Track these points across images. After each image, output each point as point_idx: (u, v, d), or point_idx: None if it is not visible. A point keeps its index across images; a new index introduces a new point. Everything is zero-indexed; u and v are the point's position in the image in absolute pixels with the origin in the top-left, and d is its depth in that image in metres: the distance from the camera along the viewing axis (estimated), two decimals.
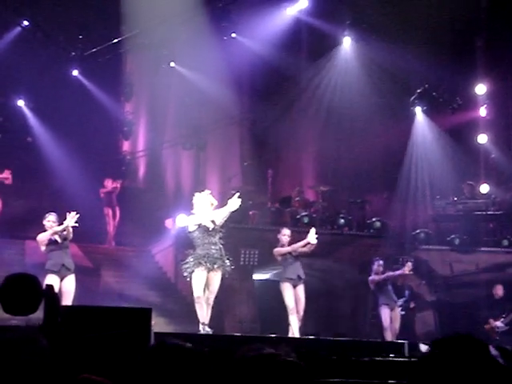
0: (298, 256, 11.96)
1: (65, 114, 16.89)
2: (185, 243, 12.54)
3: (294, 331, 11.58)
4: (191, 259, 10.59)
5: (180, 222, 14.19)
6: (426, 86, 17.96)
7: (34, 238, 11.37)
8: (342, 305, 15.95)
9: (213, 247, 10.58)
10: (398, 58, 16.86)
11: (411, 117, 18.51)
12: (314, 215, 16.67)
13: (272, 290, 12.59)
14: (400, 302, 14.07)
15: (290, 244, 11.99)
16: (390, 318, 13.23)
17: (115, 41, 17.18)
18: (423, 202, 17.97)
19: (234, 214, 10.84)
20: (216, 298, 10.77)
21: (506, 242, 16.44)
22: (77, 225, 10.90)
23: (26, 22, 16.54)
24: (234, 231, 13.25)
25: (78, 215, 10.84)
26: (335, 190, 17.71)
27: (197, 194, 10.93)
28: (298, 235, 12.50)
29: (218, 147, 19.83)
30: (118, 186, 17.84)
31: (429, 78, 17.84)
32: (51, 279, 10.55)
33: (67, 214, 10.85)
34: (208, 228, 10.57)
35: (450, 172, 17.50)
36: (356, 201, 17.47)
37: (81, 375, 2.52)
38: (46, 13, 16.56)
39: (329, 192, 17.52)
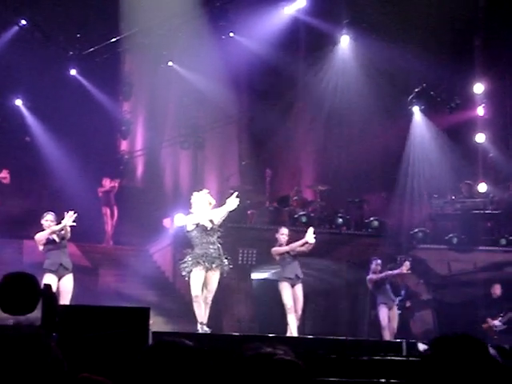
0: (296, 255, 11.96)
1: (63, 114, 16.88)
2: (183, 242, 12.54)
3: (293, 330, 11.58)
4: (189, 258, 10.60)
5: (178, 221, 14.16)
6: (424, 85, 17.97)
7: (32, 238, 11.37)
8: (340, 304, 15.96)
9: (211, 246, 10.58)
10: (396, 57, 16.87)
11: (409, 116, 18.52)
12: (312, 214, 16.67)
13: (270, 290, 12.59)
14: (396, 301, 14.08)
15: (288, 243, 11.99)
16: (388, 317, 13.24)
17: (113, 40, 17.18)
18: (421, 201, 17.98)
19: (232, 214, 10.85)
20: (214, 297, 10.77)
21: (503, 241, 16.44)
22: (75, 224, 10.89)
23: (24, 22, 16.53)
24: (232, 230, 13.26)
25: (76, 214, 10.83)
26: (333, 189, 17.72)
27: (195, 194, 10.93)
28: (296, 234, 12.50)
29: (216, 146, 19.83)
30: (116, 185, 17.83)
31: (427, 77, 17.85)
32: (49, 278, 10.54)
33: (65, 213, 10.85)
34: (206, 227, 10.57)
35: (447, 171, 17.51)
36: (354, 200, 17.47)
37: (79, 375, 2.53)
38: (45, 12, 16.55)
39: (327, 191, 17.52)
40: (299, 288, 11.85)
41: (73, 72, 17.42)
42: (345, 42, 18.14)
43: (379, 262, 13.47)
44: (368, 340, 12.52)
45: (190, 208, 10.83)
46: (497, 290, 15.13)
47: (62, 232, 10.98)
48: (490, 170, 18.60)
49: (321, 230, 15.20)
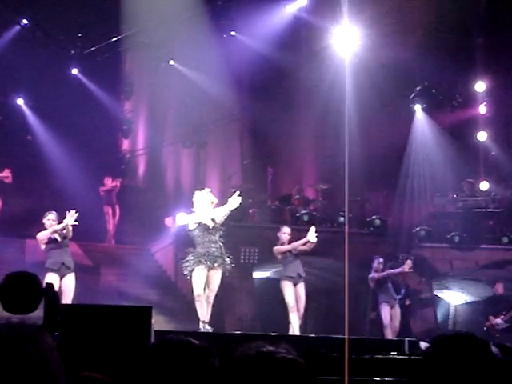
0: (298, 254, 11.96)
1: (64, 113, 16.88)
2: (185, 241, 12.54)
3: (295, 329, 11.59)
4: (191, 257, 10.59)
5: (180, 220, 14.19)
6: (426, 83, 17.96)
7: (34, 237, 11.38)
8: (342, 303, 15.95)
9: (213, 245, 10.58)
10: (397, 55, 16.85)
11: (411, 114, 18.51)
12: (314, 213, 16.66)
13: (272, 288, 12.59)
14: (397, 299, 14.06)
15: (289, 242, 11.99)
16: (390, 315, 13.24)
17: (115, 39, 17.18)
18: (423, 199, 17.97)
19: (234, 212, 10.84)
20: (216, 296, 10.77)
21: (505, 240, 16.43)
22: (76, 223, 10.90)
23: (25, 21, 16.54)
24: (234, 229, 13.25)
25: (78, 214, 10.84)
26: (335, 187, 17.69)
27: (197, 193, 10.92)
28: (298, 233, 12.50)
29: (218, 145, 19.83)
30: (118, 184, 17.83)
31: (428, 75, 17.83)
32: (51, 278, 10.55)
33: (67, 212, 10.85)
34: (208, 226, 10.57)
35: (449, 169, 17.50)
36: (356, 199, 17.45)
37: (82, 373, 2.53)
38: (46, 11, 16.55)
39: (329, 190, 17.51)
40: (301, 287, 11.86)
41: (74, 71, 17.42)
42: (346, 41, 18.10)
43: (381, 260, 13.47)
44: (370, 339, 12.51)
45: (192, 207, 10.82)
46: (499, 288, 15.12)
47: (64, 231, 10.98)
48: (491, 168, 18.58)
49: (322, 229, 15.20)
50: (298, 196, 17.48)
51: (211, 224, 10.56)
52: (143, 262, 16.17)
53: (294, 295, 11.76)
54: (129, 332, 6.01)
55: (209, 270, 10.54)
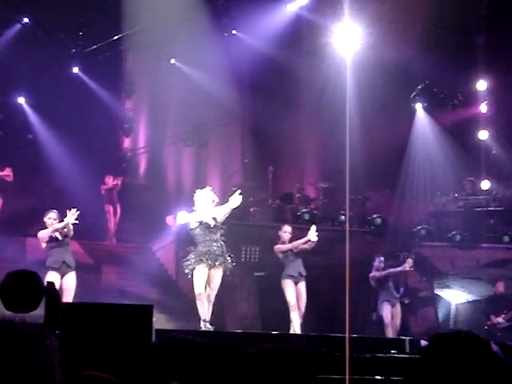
0: (299, 253, 11.97)
1: (65, 112, 16.87)
2: (186, 240, 12.55)
3: (296, 328, 11.59)
4: (192, 256, 10.60)
5: (181, 218, 14.21)
6: (427, 82, 17.95)
7: (35, 235, 11.39)
8: (343, 301, 15.94)
9: (214, 244, 10.58)
10: (398, 54, 16.84)
11: (412, 113, 18.50)
12: (315, 212, 16.66)
13: (273, 287, 12.59)
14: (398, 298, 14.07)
15: (291, 241, 12.00)
16: (391, 314, 13.24)
17: (116, 38, 17.18)
18: (424, 198, 17.97)
19: (235, 211, 10.84)
20: (217, 294, 10.77)
21: (506, 238, 16.43)
22: (77, 222, 10.90)
23: (26, 20, 16.53)
24: (234, 228, 13.25)
25: (79, 212, 10.84)
26: (336, 186, 17.69)
27: (198, 191, 10.92)
28: (299, 232, 12.50)
29: (219, 144, 19.83)
30: (119, 183, 17.83)
31: (429, 74, 17.82)
32: (52, 276, 10.56)
33: (68, 211, 10.86)
34: (209, 225, 10.57)
35: (450, 168, 17.50)
36: (357, 197, 17.44)
37: (83, 372, 2.53)
38: (47, 10, 16.54)
39: (329, 189, 17.51)
40: (302, 285, 11.87)
41: (75, 70, 17.42)
42: (347, 40, 18.09)
43: (382, 259, 13.48)
44: (371, 337, 12.51)
45: (193, 205, 10.82)
46: (500, 287, 15.12)
47: (65, 230, 10.99)
48: (492, 167, 18.57)
49: (323, 228, 15.20)
50: (298, 195, 17.49)
51: (212, 223, 10.56)
52: (144, 260, 16.17)
53: (295, 294, 11.77)
54: (130, 330, 6.01)
55: (210, 269, 10.54)
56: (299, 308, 11.76)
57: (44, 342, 1.95)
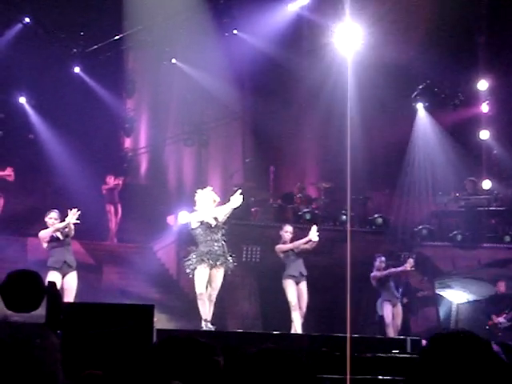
0: (300, 253, 11.98)
1: (66, 111, 16.87)
2: (187, 240, 12.55)
3: (297, 327, 11.60)
4: (194, 256, 10.60)
5: (182, 218, 14.21)
6: (428, 82, 17.94)
7: (36, 235, 11.39)
8: (344, 301, 15.94)
9: (215, 244, 10.58)
10: (399, 54, 16.84)
11: (413, 113, 18.49)
12: (316, 212, 16.66)
13: (274, 287, 12.59)
14: (399, 298, 14.06)
15: (292, 241, 12.01)
16: (392, 314, 13.24)
17: (117, 38, 17.17)
18: (425, 198, 17.96)
19: (236, 211, 10.84)
20: (218, 294, 10.77)
21: (508, 238, 16.43)
22: (78, 222, 10.91)
23: (27, 20, 16.52)
24: (236, 228, 13.25)
25: (80, 212, 10.85)
26: (337, 186, 17.69)
27: (199, 191, 10.92)
28: (301, 232, 12.50)
29: (220, 144, 19.82)
30: (120, 182, 17.83)
31: (431, 73, 17.81)
32: (53, 276, 10.56)
33: (69, 210, 10.86)
34: (210, 225, 10.57)
35: (451, 168, 17.49)
36: (358, 197, 17.44)
37: (85, 371, 2.53)
38: (48, 10, 16.54)
39: (331, 188, 17.51)
40: (304, 285, 11.88)
41: (76, 70, 17.41)
42: (348, 40, 18.08)
43: (383, 259, 13.47)
44: (372, 337, 12.51)
45: (194, 205, 10.82)
46: (501, 287, 15.12)
47: (66, 230, 10.99)
48: (494, 166, 18.57)
49: (325, 227, 15.20)
50: (300, 194, 17.48)
51: (213, 222, 10.56)
52: (145, 260, 16.17)
53: (296, 294, 11.78)
54: (131, 330, 6.01)
55: (211, 269, 10.54)
56: (300, 308, 11.76)
57: (45, 342, 1.95)
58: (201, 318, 10.55)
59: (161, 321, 12.09)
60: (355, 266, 15.82)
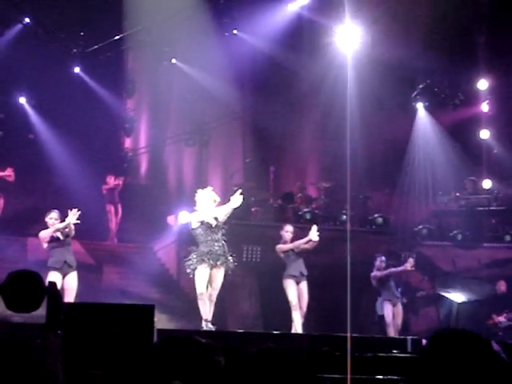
0: (300, 253, 11.98)
1: (66, 112, 16.87)
2: (187, 240, 12.55)
3: (297, 327, 11.60)
4: (194, 256, 10.60)
5: (182, 218, 14.21)
6: (428, 81, 17.94)
7: (37, 235, 11.39)
8: (345, 301, 15.94)
9: (216, 244, 10.58)
10: (399, 53, 16.83)
11: (413, 112, 18.49)
12: (317, 211, 16.66)
13: (275, 287, 12.59)
14: (400, 297, 14.06)
15: (292, 240, 12.01)
16: (392, 313, 13.24)
17: (117, 38, 17.16)
18: (425, 197, 17.97)
19: (236, 211, 10.84)
20: (219, 294, 10.77)
21: (508, 238, 16.43)
22: (78, 222, 10.91)
23: (27, 20, 16.52)
24: (236, 228, 13.25)
25: (80, 212, 10.86)
26: (337, 186, 17.68)
27: (199, 191, 10.92)
28: (301, 231, 12.50)
29: (220, 144, 19.81)
30: (120, 182, 17.82)
31: (431, 73, 17.82)
32: (53, 276, 10.56)
33: (69, 211, 10.86)
34: (211, 225, 10.57)
35: (452, 167, 17.49)
36: (358, 197, 17.45)
37: (86, 371, 2.53)
38: (48, 10, 16.54)
39: (331, 188, 17.50)
40: (304, 285, 11.88)
41: (76, 70, 17.40)
42: (348, 40, 18.08)
43: (383, 258, 13.47)
44: (373, 337, 12.51)
45: (195, 205, 10.82)
46: (502, 286, 15.13)
47: (66, 230, 11.00)
48: (494, 166, 18.57)
49: (325, 227, 15.20)
50: (300, 194, 17.48)
51: (214, 222, 10.56)
52: (145, 260, 16.17)
53: (296, 293, 11.78)
54: (131, 330, 6.01)
55: (211, 269, 10.54)
56: (301, 307, 11.77)
57: (46, 342, 1.95)
58: (201, 318, 10.55)
59: (161, 321, 12.09)
60: (355, 265, 15.82)
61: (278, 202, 17.16)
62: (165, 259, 16.84)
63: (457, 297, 16.44)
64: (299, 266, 11.93)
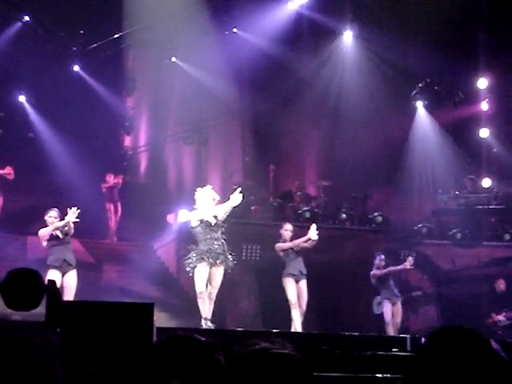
0: (300, 251, 11.99)
1: (66, 110, 16.86)
2: (187, 238, 12.54)
3: (297, 326, 11.61)
4: (194, 254, 10.60)
5: (182, 217, 14.19)
6: (428, 80, 17.94)
7: (36, 234, 11.40)
8: (344, 299, 15.96)
9: (215, 242, 10.59)
10: (399, 52, 16.85)
11: (412, 111, 18.50)
12: (316, 210, 16.66)
13: (274, 285, 12.60)
14: (399, 296, 14.07)
15: (291, 239, 12.02)
16: (391, 312, 13.25)
17: (116, 36, 17.16)
18: (425, 196, 17.97)
19: (235, 209, 10.85)
20: (218, 293, 10.78)
21: (507, 236, 16.43)
22: (78, 220, 10.92)
23: (26, 18, 16.51)
24: (235, 226, 13.25)
25: (79, 210, 10.86)
26: (337, 184, 17.70)
27: (199, 189, 10.92)
28: (300, 230, 12.51)
29: (220, 142, 19.82)
30: (120, 181, 17.81)
31: (430, 72, 17.82)
32: (53, 274, 10.56)
33: (68, 209, 10.86)
34: (210, 223, 10.57)
35: (451, 166, 17.50)
36: (358, 195, 17.45)
37: (86, 369, 2.53)
38: (47, 8, 16.53)
39: (330, 187, 17.51)
40: (303, 284, 11.89)
41: (76, 68, 17.40)
42: (348, 38, 18.11)
43: (383, 257, 13.48)
44: (372, 335, 12.52)
45: (194, 204, 10.83)
46: (501, 285, 15.13)
47: (66, 228, 11.00)
48: (493, 165, 18.58)
49: (324, 226, 15.20)
50: (299, 193, 17.48)
51: (213, 221, 10.57)
52: (145, 258, 16.17)
53: (295, 292, 11.79)
54: (130, 329, 6.01)
55: (211, 267, 10.55)
56: (300, 306, 11.78)
57: (45, 340, 1.95)
58: (200, 317, 10.56)
59: (160, 319, 12.08)
60: (355, 264, 15.89)
61: (277, 200, 17.16)
62: (164, 257, 16.85)
63: (455, 295, 16.41)
64: (298, 265, 11.94)
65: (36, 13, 16.53)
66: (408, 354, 9.61)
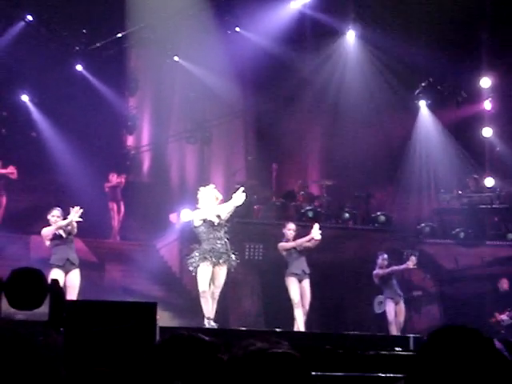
0: (303, 251, 11.99)
1: (69, 109, 16.87)
2: (190, 238, 12.55)
3: (299, 325, 11.61)
4: (197, 254, 10.61)
5: (185, 216, 14.19)
6: (431, 79, 17.93)
7: (39, 233, 11.40)
8: (347, 299, 15.95)
9: (218, 242, 10.59)
10: (402, 51, 16.83)
11: (415, 110, 18.49)
12: (319, 209, 16.65)
13: (277, 285, 12.60)
14: (402, 295, 14.06)
15: (294, 238, 12.01)
16: (394, 311, 13.24)
17: (119, 35, 17.18)
18: (428, 195, 17.96)
19: (238, 209, 10.85)
20: (221, 292, 10.78)
21: (510, 236, 16.42)
22: (81, 219, 10.92)
23: (29, 17, 16.53)
24: (238, 226, 13.25)
25: (82, 210, 10.86)
26: (339, 184, 17.69)
27: (202, 189, 10.92)
28: (303, 229, 12.50)
29: (223, 142, 19.82)
30: (123, 180, 17.82)
31: (433, 71, 17.82)
32: (56, 274, 10.57)
33: (71, 208, 10.87)
34: (213, 223, 10.57)
35: (454, 165, 17.50)
36: (361, 195, 17.44)
37: (87, 369, 2.53)
38: (50, 8, 16.55)
39: (333, 186, 17.50)
40: (306, 283, 11.89)
41: (79, 67, 17.42)
42: (350, 37, 18.10)
43: (386, 256, 13.47)
44: (375, 335, 12.51)
45: (197, 203, 10.83)
46: (504, 284, 15.12)
47: (69, 227, 11.01)
48: (496, 164, 18.56)
49: (327, 225, 15.19)
50: (302, 192, 17.47)
51: (216, 220, 10.57)
52: (148, 258, 16.17)
53: (298, 291, 11.79)
54: (133, 328, 6.01)
55: (214, 267, 10.55)
56: (303, 305, 11.78)
57: (48, 339, 1.95)
58: (203, 316, 10.56)
59: (163, 318, 12.07)
60: (358, 263, 15.88)
61: (280, 199, 17.15)
62: (167, 257, 16.85)
63: (458, 295, 16.41)
64: (301, 264, 11.93)
65: (39, 12, 16.56)
66: (411, 353, 9.61)
